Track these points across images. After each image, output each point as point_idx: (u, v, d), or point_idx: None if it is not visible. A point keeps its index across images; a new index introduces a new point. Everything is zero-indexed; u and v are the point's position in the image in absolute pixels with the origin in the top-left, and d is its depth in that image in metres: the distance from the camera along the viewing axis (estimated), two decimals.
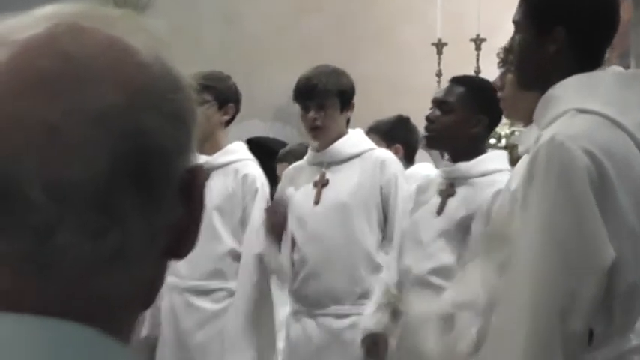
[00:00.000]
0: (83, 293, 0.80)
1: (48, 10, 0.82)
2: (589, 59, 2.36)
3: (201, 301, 4.25)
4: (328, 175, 4.13)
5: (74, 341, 0.79)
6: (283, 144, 7.27)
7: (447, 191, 3.67)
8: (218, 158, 4.26)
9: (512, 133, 6.44)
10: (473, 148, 3.68)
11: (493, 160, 3.73)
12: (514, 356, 2.11)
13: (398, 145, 5.20)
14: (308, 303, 4.08)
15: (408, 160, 5.27)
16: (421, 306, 3.52)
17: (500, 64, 3.25)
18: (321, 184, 4.13)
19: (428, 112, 3.75)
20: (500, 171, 3.61)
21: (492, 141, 5.87)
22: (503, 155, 3.90)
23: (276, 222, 4.10)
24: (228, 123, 4.39)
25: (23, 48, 0.78)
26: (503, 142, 6.60)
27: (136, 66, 0.80)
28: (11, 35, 0.79)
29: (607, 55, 2.43)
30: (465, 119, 3.65)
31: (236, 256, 4.25)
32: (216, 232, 4.20)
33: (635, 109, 2.26)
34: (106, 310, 0.81)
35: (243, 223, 4.25)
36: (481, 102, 3.63)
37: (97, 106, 0.77)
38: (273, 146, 7.20)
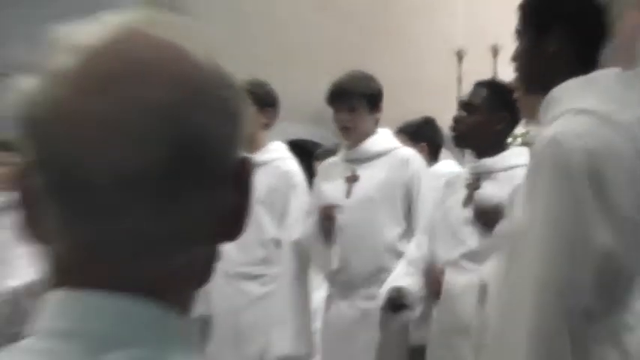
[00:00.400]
0: (150, 272, 0.80)
1: (113, 18, 0.83)
2: (586, 57, 2.31)
3: (249, 284, 4.30)
4: (359, 172, 4.15)
5: (146, 315, 0.80)
6: (318, 145, 7.32)
7: (474, 184, 3.69)
8: (260, 156, 4.28)
9: (528, 132, 6.40)
10: (496, 144, 3.69)
11: (515, 155, 3.72)
12: (522, 329, 2.11)
13: (423, 144, 5.19)
14: (341, 287, 4.11)
15: (433, 157, 5.27)
16: (461, 279, 3.55)
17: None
18: (352, 179, 4.15)
19: (448, 112, 3.75)
20: (521, 166, 3.59)
21: (509, 140, 5.84)
22: (524, 151, 3.88)
23: (328, 225, 4.11)
24: (268, 125, 4.41)
25: (92, 53, 0.79)
26: (519, 140, 6.57)
27: (191, 67, 0.81)
28: (81, 41, 0.80)
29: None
30: (488, 119, 3.65)
31: (278, 244, 4.31)
32: (260, 222, 4.25)
33: (635, 106, 2.21)
34: (169, 287, 0.82)
35: (284, 213, 4.28)
36: (502, 101, 3.61)
37: (158, 103, 0.78)
38: (309, 147, 7.25)
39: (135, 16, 0.84)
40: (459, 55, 8.65)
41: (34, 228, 0.82)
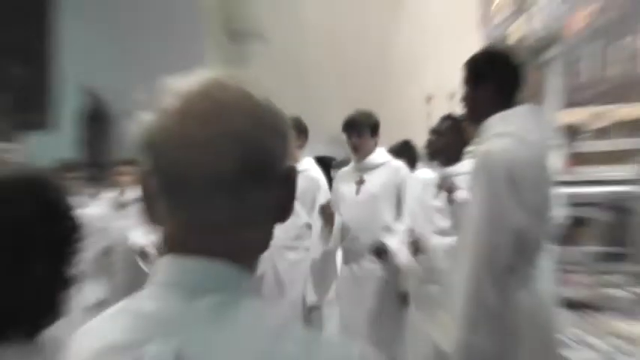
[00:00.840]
0: (229, 243, 0.80)
1: (204, 73, 0.83)
2: (508, 99, 2.33)
3: (289, 253, 4.28)
4: (365, 177, 4.13)
5: (226, 272, 0.79)
6: (335, 159, 7.30)
7: (441, 184, 3.67)
8: (297, 167, 4.25)
9: (473, 149, 6.32)
10: (456, 158, 3.65)
11: (467, 165, 3.68)
12: (466, 276, 2.13)
13: (404, 159, 5.14)
14: (352, 254, 4.07)
15: (412, 167, 5.21)
16: (436, 242, 3.54)
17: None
18: (360, 182, 4.12)
19: (420, 137, 3.74)
20: (470, 172, 3.57)
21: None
22: (472, 162, 3.86)
23: (329, 216, 4.08)
24: (301, 146, 4.40)
25: (190, 96, 0.79)
26: (470, 154, 6.49)
27: (255, 105, 0.81)
28: (183, 88, 0.80)
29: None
30: (450, 141, 3.64)
31: (309, 226, 4.28)
32: (297, 212, 4.22)
33: (536, 131, 2.25)
34: (244, 254, 0.81)
35: (313, 206, 4.27)
36: (458, 129, 3.61)
37: (234, 129, 0.78)
38: (329, 160, 7.23)
39: (218, 72, 0.83)
40: (428, 98, 8.67)
41: (152, 214, 0.82)
